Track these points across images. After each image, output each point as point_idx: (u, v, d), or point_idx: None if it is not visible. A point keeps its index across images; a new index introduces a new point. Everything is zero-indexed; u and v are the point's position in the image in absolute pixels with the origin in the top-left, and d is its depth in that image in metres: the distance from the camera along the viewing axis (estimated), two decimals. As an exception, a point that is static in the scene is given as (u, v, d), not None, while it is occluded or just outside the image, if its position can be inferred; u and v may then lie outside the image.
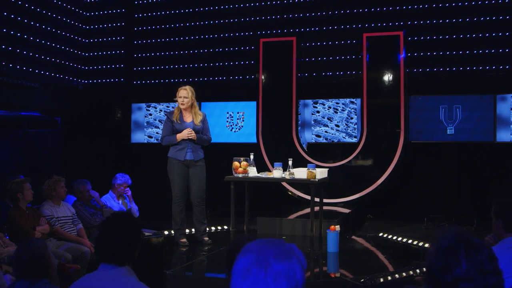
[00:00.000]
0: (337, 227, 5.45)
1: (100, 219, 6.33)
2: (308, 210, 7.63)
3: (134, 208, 7.02)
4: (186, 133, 5.79)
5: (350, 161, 8.07)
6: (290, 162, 5.76)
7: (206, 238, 5.96)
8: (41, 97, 8.69)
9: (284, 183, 8.10)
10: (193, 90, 5.95)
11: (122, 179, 6.98)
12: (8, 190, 5.61)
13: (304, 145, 8.46)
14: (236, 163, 5.84)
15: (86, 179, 6.35)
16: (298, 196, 8.23)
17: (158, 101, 9.50)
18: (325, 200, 7.92)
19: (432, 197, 8.38)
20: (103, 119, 9.74)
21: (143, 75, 9.84)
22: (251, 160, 5.95)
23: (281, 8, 9.05)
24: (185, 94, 5.88)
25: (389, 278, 4.41)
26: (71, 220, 5.91)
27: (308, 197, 8.07)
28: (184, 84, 9.48)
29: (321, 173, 5.74)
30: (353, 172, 8.02)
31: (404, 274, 4.54)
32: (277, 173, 5.71)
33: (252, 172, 5.91)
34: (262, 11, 9.15)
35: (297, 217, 7.01)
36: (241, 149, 8.51)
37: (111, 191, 6.96)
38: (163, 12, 9.74)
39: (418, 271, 4.64)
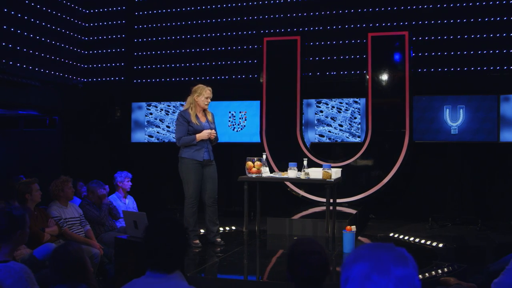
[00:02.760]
0: (353, 228, 5.41)
1: (108, 218, 6.22)
2: (313, 210, 7.64)
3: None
4: (207, 134, 5.68)
5: (354, 161, 8.05)
6: (305, 162, 5.72)
7: (219, 239, 5.88)
8: (40, 95, 8.52)
9: (287, 183, 8.05)
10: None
11: (122, 175, 6.88)
12: (16, 191, 5.44)
13: (307, 145, 8.42)
14: (249, 163, 5.78)
15: (102, 182, 6.22)
16: (302, 195, 8.19)
17: (159, 100, 9.37)
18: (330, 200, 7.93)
19: (435, 197, 8.41)
20: (102, 118, 9.60)
21: (143, 74, 9.72)
22: (264, 160, 5.89)
23: (285, 7, 9.00)
24: (211, 95, 5.82)
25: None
26: (78, 221, 5.79)
27: (312, 197, 8.12)
28: (185, 83, 9.45)
29: (335, 173, 5.70)
30: (357, 172, 8.00)
31: (427, 274, 4.53)
32: (292, 173, 5.66)
33: (265, 172, 5.85)
34: (266, 10, 9.09)
35: (305, 217, 6.97)
36: (244, 149, 8.46)
37: (117, 192, 6.84)
38: (164, 10, 9.63)
39: (439, 271, 4.62)
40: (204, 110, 5.87)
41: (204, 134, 5.67)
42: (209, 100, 5.82)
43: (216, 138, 5.93)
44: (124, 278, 4.39)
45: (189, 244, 2.42)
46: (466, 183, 8.32)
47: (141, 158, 9.53)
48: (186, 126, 5.71)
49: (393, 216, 8.30)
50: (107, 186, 6.34)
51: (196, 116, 5.76)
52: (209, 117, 5.91)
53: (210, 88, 5.83)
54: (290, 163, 5.75)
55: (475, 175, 8.28)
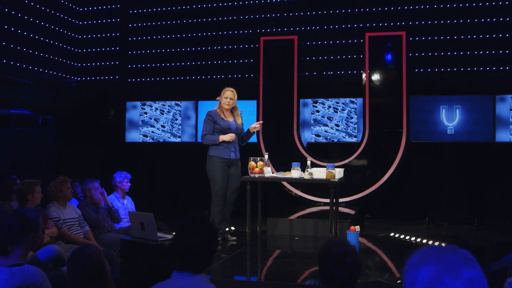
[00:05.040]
0: (357, 228, 5.39)
1: (107, 219, 6.11)
2: (311, 210, 7.63)
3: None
4: (229, 137, 5.86)
5: (352, 161, 8.05)
6: (308, 162, 5.70)
7: (229, 236, 6.05)
8: (33, 94, 8.38)
9: (284, 182, 8.02)
10: (235, 93, 6.11)
11: (121, 175, 6.80)
12: (18, 191, 5.34)
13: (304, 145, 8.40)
14: (252, 163, 5.76)
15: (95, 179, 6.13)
16: (298, 195, 8.16)
17: (154, 99, 9.27)
18: (326, 200, 7.93)
19: (431, 197, 8.44)
20: (96, 118, 9.47)
21: (138, 73, 9.61)
22: (266, 159, 5.87)
23: (282, 7, 8.97)
24: (231, 95, 6.02)
25: (422, 279, 4.36)
26: (77, 222, 5.70)
27: (309, 197, 8.10)
28: (180, 82, 9.38)
29: (339, 173, 5.69)
30: (354, 172, 7.99)
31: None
32: (295, 173, 5.63)
33: (268, 172, 5.82)
34: (263, 9, 9.05)
35: (305, 217, 6.94)
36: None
37: (115, 192, 6.74)
38: (159, 9, 9.53)
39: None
40: (233, 111, 6.11)
41: (226, 137, 5.85)
42: (230, 101, 6.00)
43: (246, 135, 6.18)
44: (130, 279, 4.32)
45: (218, 243, 2.39)
46: (462, 183, 8.36)
47: (136, 158, 9.42)
48: (212, 124, 5.93)
49: (388, 216, 8.32)
50: (100, 188, 6.22)
51: (224, 114, 5.98)
52: (239, 119, 6.13)
53: (231, 89, 6.04)
54: (293, 163, 5.74)
55: (471, 175, 8.32)
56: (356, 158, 8.05)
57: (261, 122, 6.22)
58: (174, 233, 2.41)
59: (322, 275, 2.20)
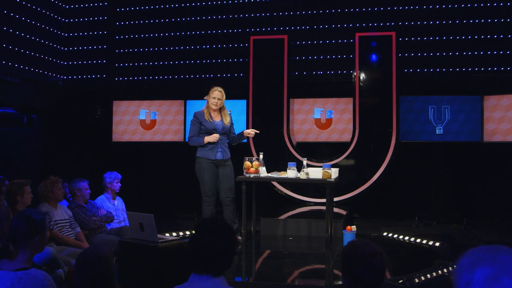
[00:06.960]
0: (354, 227, 5.40)
1: (98, 222, 6.01)
2: (302, 209, 7.63)
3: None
4: (213, 138, 5.83)
5: (341, 160, 8.06)
6: (304, 162, 5.67)
7: (239, 237, 5.93)
8: (18, 93, 8.20)
9: (274, 182, 8.00)
10: (224, 93, 6.01)
11: (111, 175, 6.70)
12: (7, 191, 5.20)
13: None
14: (248, 163, 5.71)
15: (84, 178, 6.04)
16: (288, 195, 8.15)
17: (142, 98, 9.14)
18: (317, 200, 7.94)
19: (420, 196, 8.50)
20: (83, 117, 9.32)
21: (126, 72, 9.47)
22: (261, 159, 5.83)
23: (272, 6, 8.94)
24: (219, 96, 5.96)
25: (423, 278, 4.39)
26: (68, 224, 5.60)
27: (298, 196, 8.09)
28: (169, 81, 9.28)
29: (334, 172, 5.68)
30: (344, 171, 7.97)
31: (434, 274, 4.54)
32: (291, 173, 5.60)
33: (263, 172, 5.78)
34: (253, 8, 9.01)
35: (299, 217, 6.93)
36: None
37: (105, 193, 6.63)
38: (147, 7, 9.42)
39: (445, 270, 4.65)
40: (221, 111, 6.03)
41: (210, 138, 5.82)
42: (218, 101, 5.94)
43: (235, 140, 6.14)
44: (129, 282, 4.24)
45: (237, 245, 2.35)
46: (451, 183, 8.44)
47: (123, 157, 9.29)
48: (198, 126, 5.90)
49: (377, 215, 8.35)
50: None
51: (210, 115, 5.92)
52: (226, 119, 6.03)
53: (219, 89, 5.97)
54: (289, 163, 5.71)
55: (460, 174, 8.40)
56: (346, 157, 8.07)
57: (257, 131, 6.12)
58: (191, 235, 2.36)
59: (346, 277, 2.16)
